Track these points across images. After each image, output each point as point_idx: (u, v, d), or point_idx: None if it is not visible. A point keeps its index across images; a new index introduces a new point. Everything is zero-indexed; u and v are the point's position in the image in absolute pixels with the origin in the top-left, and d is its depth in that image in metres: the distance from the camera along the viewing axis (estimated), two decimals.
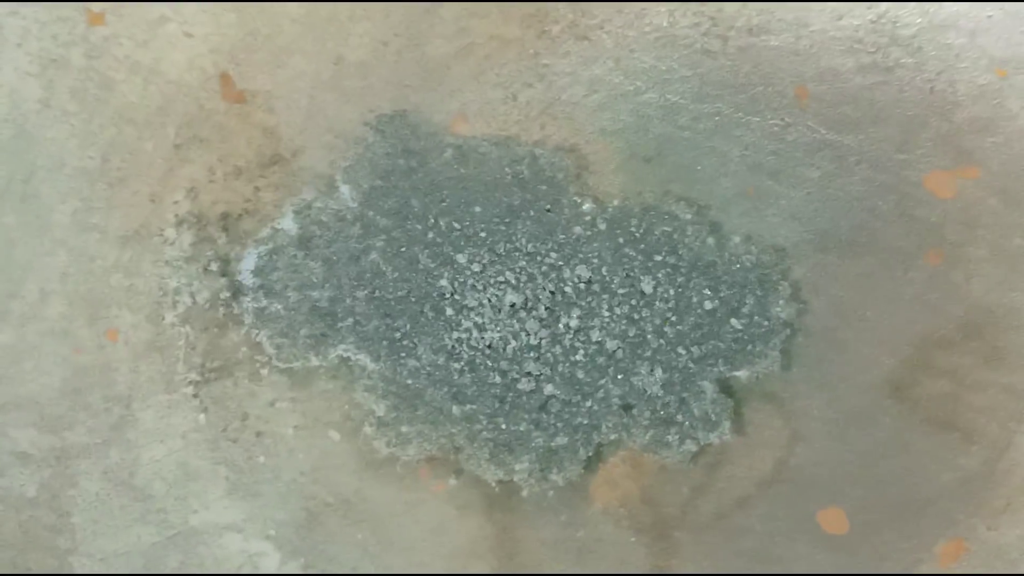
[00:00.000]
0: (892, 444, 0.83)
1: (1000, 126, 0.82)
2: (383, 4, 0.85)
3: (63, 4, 0.85)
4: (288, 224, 0.85)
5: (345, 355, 0.85)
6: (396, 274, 0.84)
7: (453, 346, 0.84)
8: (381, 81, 0.86)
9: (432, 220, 0.85)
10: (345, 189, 0.85)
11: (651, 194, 0.85)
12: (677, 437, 0.83)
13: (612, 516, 0.84)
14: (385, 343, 0.84)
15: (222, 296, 0.85)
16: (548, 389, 0.83)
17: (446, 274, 0.84)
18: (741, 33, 0.85)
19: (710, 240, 0.83)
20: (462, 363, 0.84)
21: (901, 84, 0.83)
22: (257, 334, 0.85)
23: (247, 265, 0.85)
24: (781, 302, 0.83)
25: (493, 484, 0.85)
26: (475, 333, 0.83)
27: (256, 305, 0.85)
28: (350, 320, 0.84)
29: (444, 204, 0.85)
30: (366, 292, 0.84)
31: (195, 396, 0.84)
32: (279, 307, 0.84)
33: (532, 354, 0.83)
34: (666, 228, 0.83)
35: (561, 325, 0.84)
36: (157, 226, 0.85)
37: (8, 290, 0.84)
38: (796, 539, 0.84)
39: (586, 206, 0.84)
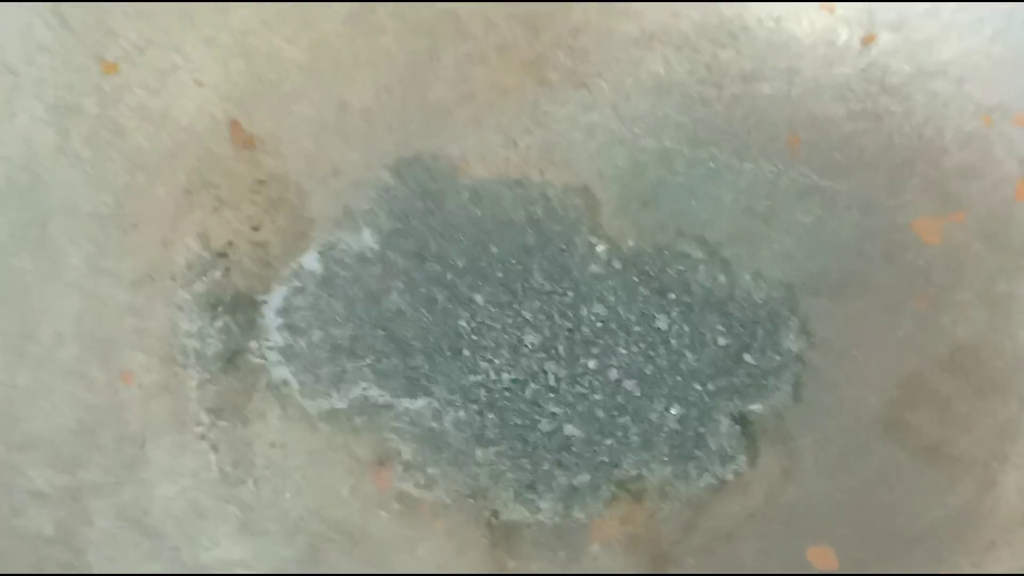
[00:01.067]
0: (880, 482, 0.85)
1: (986, 172, 0.85)
2: (385, 50, 0.87)
3: (77, 54, 0.87)
4: (312, 264, 0.87)
5: (367, 396, 0.87)
6: (415, 314, 0.87)
7: (472, 387, 0.86)
8: (385, 127, 0.88)
9: (450, 260, 0.87)
10: (367, 232, 0.87)
11: (662, 234, 0.87)
12: (695, 471, 0.85)
13: (609, 553, 0.87)
14: (404, 382, 0.86)
15: (235, 338, 0.88)
16: (568, 429, 0.86)
17: (464, 314, 0.87)
18: (735, 80, 0.87)
19: (721, 278, 0.85)
20: (481, 404, 0.86)
21: (890, 131, 0.86)
22: (275, 373, 0.87)
23: (273, 304, 0.87)
24: (791, 336, 0.85)
25: (493, 521, 0.87)
26: (492, 375, 0.86)
27: (279, 343, 0.87)
28: (370, 359, 0.87)
29: (461, 245, 0.87)
30: (385, 332, 0.87)
31: (205, 437, 0.87)
32: (303, 344, 0.86)
33: (551, 394, 0.86)
34: (679, 267, 0.85)
35: (579, 365, 0.86)
36: (169, 269, 0.88)
37: (24, 332, 0.86)
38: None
39: (600, 247, 0.86)
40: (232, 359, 0.87)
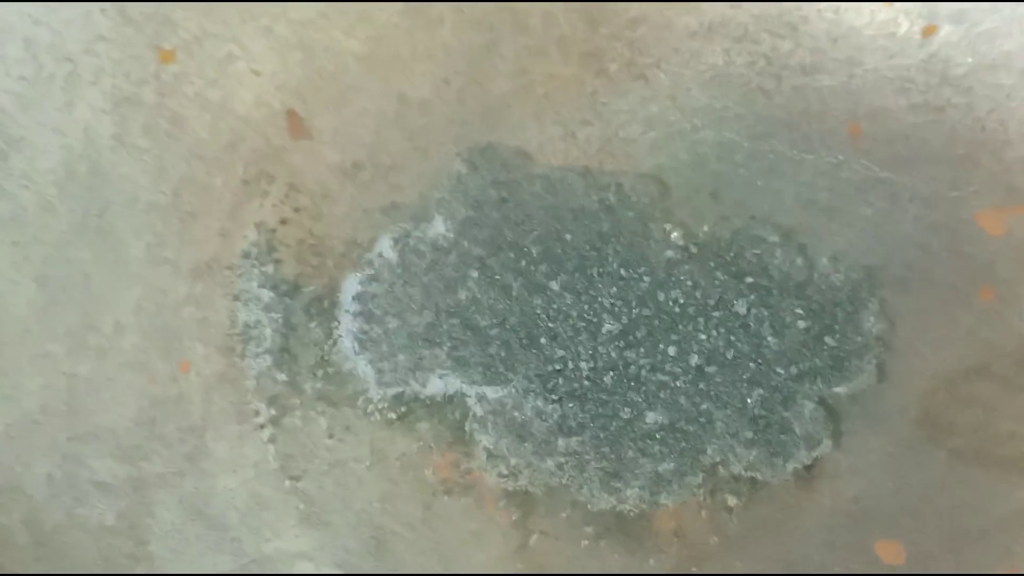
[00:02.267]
0: (947, 477, 0.85)
1: None
2: (443, 42, 0.87)
3: (136, 43, 0.87)
4: (388, 252, 0.86)
5: (445, 384, 0.87)
6: (491, 302, 0.87)
7: (550, 376, 0.86)
8: (443, 119, 0.88)
9: (525, 248, 0.87)
10: (439, 220, 0.87)
11: (730, 223, 0.87)
12: (781, 456, 0.85)
13: (673, 547, 0.86)
14: (481, 370, 0.86)
15: (294, 328, 0.87)
16: (651, 416, 0.85)
17: (540, 302, 0.87)
18: (795, 72, 0.86)
19: (799, 261, 0.85)
20: (560, 393, 0.86)
21: (952, 123, 0.85)
22: (343, 362, 0.87)
23: (346, 292, 0.87)
24: (871, 318, 0.84)
25: (563, 515, 0.87)
26: (571, 363, 0.86)
27: (354, 330, 0.87)
28: (446, 347, 0.87)
29: (535, 233, 0.86)
30: (461, 320, 0.86)
31: (266, 427, 0.86)
32: (379, 331, 0.86)
33: (632, 382, 0.86)
34: (755, 251, 0.85)
35: (659, 351, 0.85)
36: (227, 260, 0.87)
37: (85, 323, 0.86)
38: (854, 569, 0.85)
39: (675, 234, 0.86)
40: (291, 349, 0.86)
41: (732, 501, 0.85)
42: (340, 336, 0.85)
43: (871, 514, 0.84)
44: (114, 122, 0.86)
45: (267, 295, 0.86)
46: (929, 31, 0.85)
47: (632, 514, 0.85)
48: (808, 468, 0.84)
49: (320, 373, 0.86)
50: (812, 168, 0.86)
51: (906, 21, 0.86)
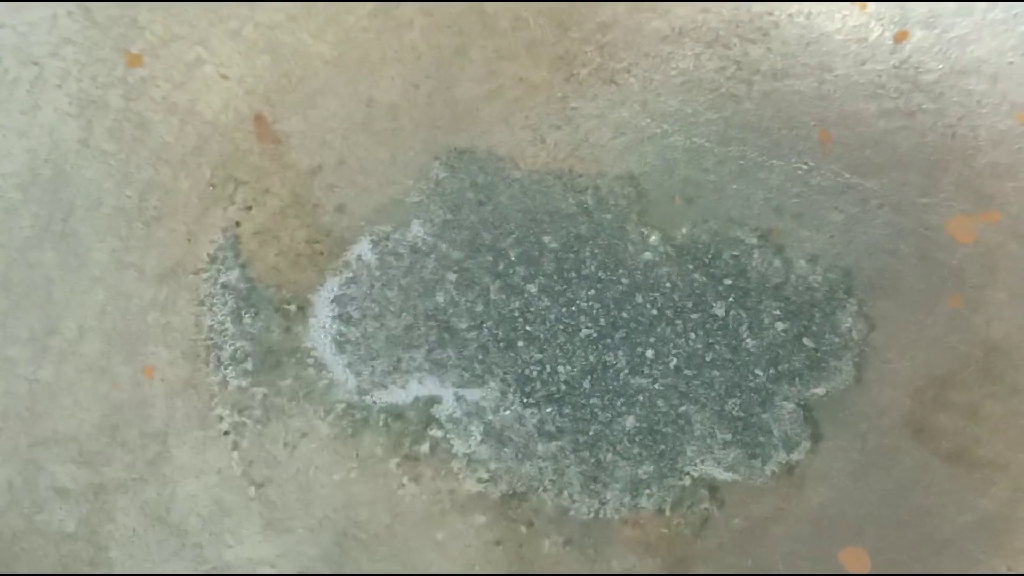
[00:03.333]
0: (913, 484, 0.84)
1: (1020, 171, 0.84)
2: (412, 46, 0.87)
3: (102, 46, 0.86)
4: (367, 255, 0.86)
5: (421, 387, 0.86)
6: (469, 305, 0.86)
7: (528, 379, 0.86)
8: (412, 123, 0.87)
9: (503, 251, 0.87)
10: (416, 223, 0.87)
11: (704, 227, 0.86)
12: (760, 458, 0.85)
13: (635, 554, 0.86)
14: (459, 373, 0.86)
15: (260, 333, 0.87)
16: (630, 420, 0.85)
17: (518, 304, 0.86)
18: (766, 77, 0.86)
19: (776, 262, 0.84)
20: (538, 397, 0.86)
21: (923, 129, 0.85)
22: (311, 368, 0.87)
23: (324, 295, 0.87)
24: (849, 318, 0.84)
25: (522, 527, 0.86)
26: (548, 367, 0.86)
27: (332, 334, 0.86)
28: (424, 349, 0.86)
29: (514, 235, 0.86)
30: (438, 323, 0.86)
31: (230, 433, 0.86)
32: (357, 334, 0.86)
33: (610, 385, 0.85)
34: (734, 252, 0.85)
35: (636, 354, 0.85)
36: (193, 264, 0.87)
37: (47, 327, 0.86)
38: None
39: (653, 237, 0.85)
40: (258, 355, 0.86)
41: (701, 510, 0.84)
42: (312, 340, 0.84)
43: (836, 522, 0.84)
44: (80, 126, 0.86)
45: (234, 300, 0.85)
46: (901, 37, 0.85)
47: (603, 520, 0.84)
48: (776, 475, 0.83)
49: (289, 378, 0.85)
50: (782, 174, 0.85)
51: (878, 26, 0.86)
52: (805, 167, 0.85)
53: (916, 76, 0.84)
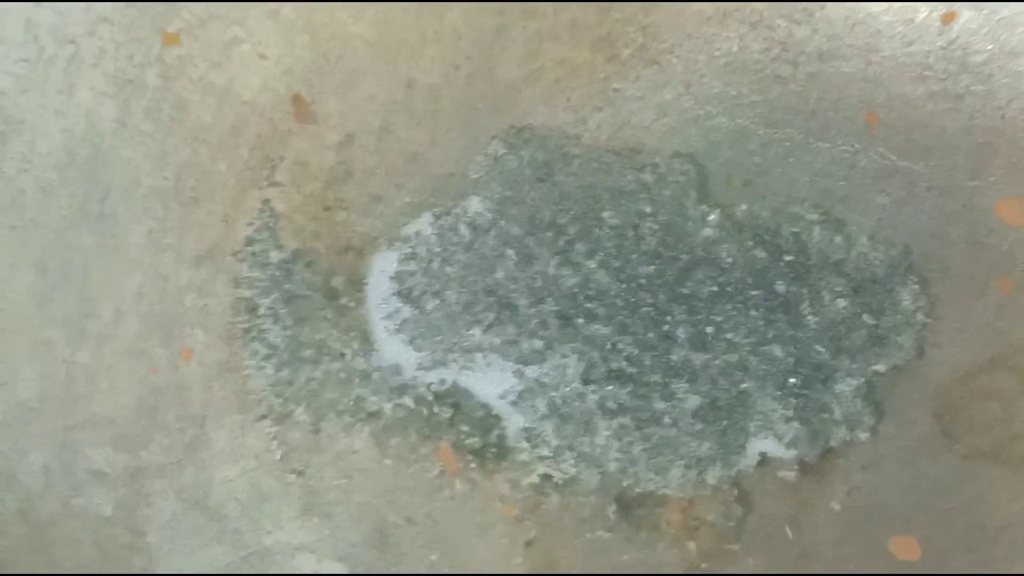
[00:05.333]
0: (963, 472, 0.83)
1: None
2: (452, 27, 0.86)
3: (139, 25, 0.85)
4: (426, 230, 0.85)
5: (479, 369, 0.86)
6: (529, 281, 0.86)
7: (589, 357, 0.85)
8: (452, 104, 0.86)
9: (562, 228, 0.86)
10: (475, 200, 0.87)
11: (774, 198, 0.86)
12: (821, 436, 0.84)
13: (680, 542, 0.85)
14: (519, 350, 0.85)
15: (297, 316, 0.86)
16: (692, 396, 0.85)
17: (577, 280, 0.85)
18: (811, 59, 0.85)
19: (837, 239, 0.84)
20: (599, 374, 0.85)
21: (971, 111, 0.83)
22: (369, 353, 0.86)
23: (376, 272, 0.87)
24: (909, 295, 0.83)
25: (562, 511, 0.85)
26: (608, 344, 0.86)
27: (389, 311, 0.86)
28: (483, 326, 0.86)
29: (572, 212, 0.85)
30: (497, 299, 0.85)
31: (267, 416, 0.85)
32: (416, 312, 0.85)
33: (671, 361, 0.85)
34: (794, 229, 0.84)
35: (697, 330, 0.85)
36: (230, 246, 0.86)
37: (84, 310, 0.85)
38: (867, 566, 0.84)
39: (712, 215, 0.85)
40: (299, 336, 0.85)
41: (749, 492, 0.83)
42: (359, 320, 0.83)
43: (885, 509, 0.83)
44: (116, 105, 0.85)
45: (272, 282, 0.84)
46: (948, 18, 0.84)
47: (649, 501, 0.83)
48: (833, 452, 0.82)
49: (330, 361, 0.84)
50: (828, 156, 0.84)
51: (925, 7, 0.85)
52: (851, 150, 0.84)
53: (964, 57, 0.83)
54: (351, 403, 0.84)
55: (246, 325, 0.85)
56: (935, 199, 0.83)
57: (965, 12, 0.83)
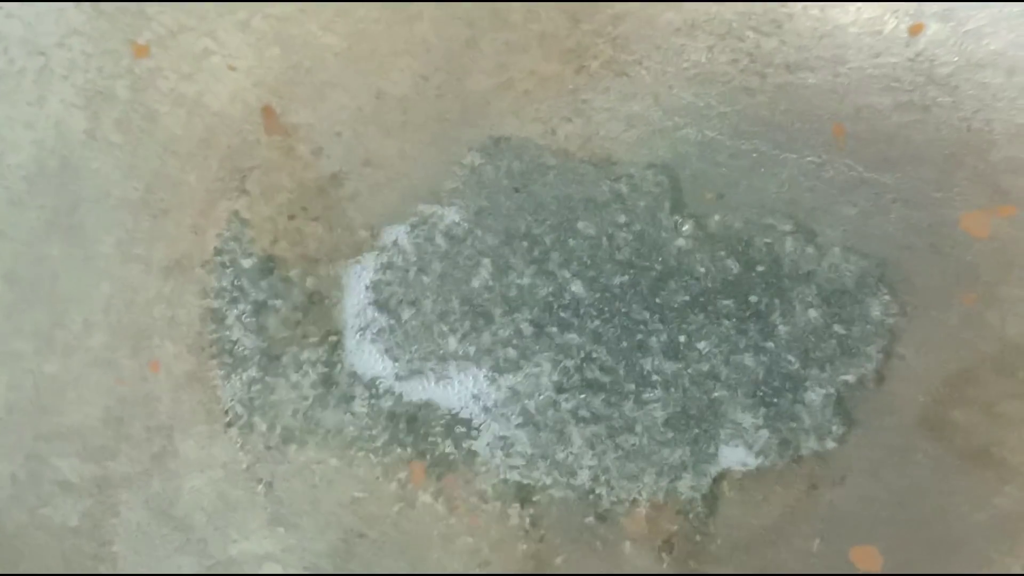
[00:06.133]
0: (926, 482, 0.83)
1: None
2: (422, 38, 0.86)
3: (109, 37, 0.86)
4: (402, 240, 0.86)
5: (450, 379, 0.86)
6: (503, 291, 0.86)
7: (562, 365, 0.85)
8: (421, 115, 0.86)
9: (538, 238, 0.87)
10: (450, 210, 0.87)
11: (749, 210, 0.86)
12: (791, 445, 0.85)
13: (644, 548, 0.85)
14: (490, 360, 0.85)
15: (266, 326, 0.86)
16: (663, 403, 0.85)
17: (550, 290, 0.86)
18: (779, 70, 0.85)
19: (810, 250, 0.84)
20: (572, 383, 0.86)
21: (938, 123, 0.84)
22: (350, 355, 0.86)
23: (351, 282, 0.86)
24: (879, 306, 0.83)
25: (525, 518, 0.85)
26: (581, 352, 0.86)
27: (364, 322, 0.86)
28: (459, 335, 0.86)
29: (548, 223, 0.85)
30: (471, 308, 0.86)
31: (234, 427, 0.85)
32: (392, 322, 0.86)
33: (643, 369, 0.85)
34: (767, 239, 0.84)
35: (670, 340, 0.85)
36: (199, 257, 0.86)
37: (53, 320, 0.85)
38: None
39: (686, 226, 0.85)
40: (266, 348, 0.85)
41: (715, 501, 0.83)
42: (329, 329, 0.84)
43: (849, 519, 0.83)
44: (86, 117, 0.85)
45: (240, 293, 0.84)
46: (916, 29, 0.84)
47: (620, 510, 0.83)
48: (804, 460, 0.82)
49: (297, 370, 0.84)
50: (795, 168, 0.85)
51: (893, 19, 0.85)
52: (819, 161, 0.84)
53: (931, 69, 0.83)
54: (319, 413, 0.85)
55: (215, 335, 0.85)
56: (901, 210, 0.84)
57: (932, 24, 0.84)
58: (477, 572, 0.84)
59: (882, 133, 0.84)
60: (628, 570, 0.84)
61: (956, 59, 0.83)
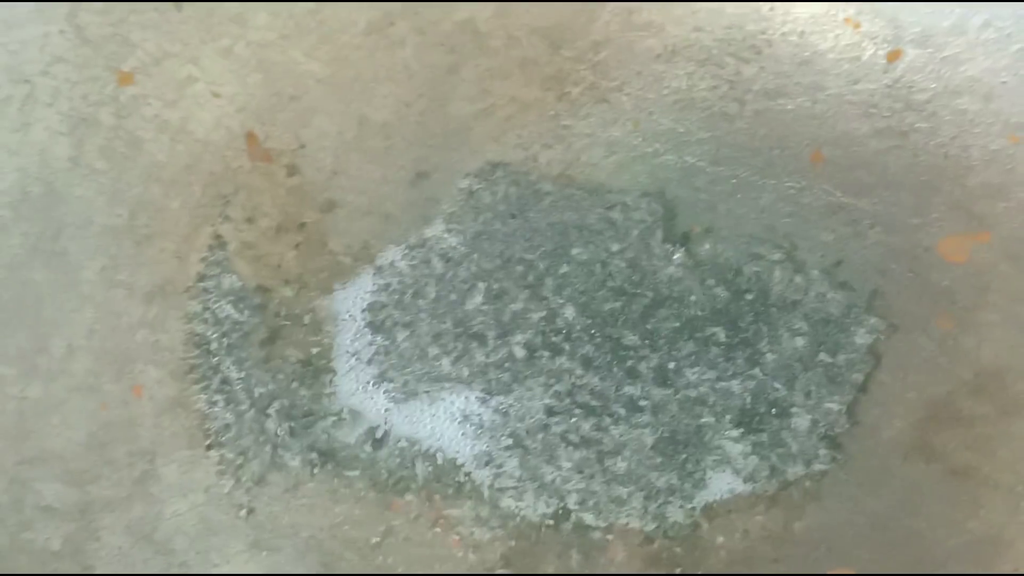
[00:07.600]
0: (903, 506, 0.84)
1: (1012, 191, 0.83)
2: (405, 64, 0.87)
3: (93, 64, 0.86)
4: (399, 262, 0.87)
5: (451, 395, 0.87)
6: (497, 316, 0.87)
7: (553, 390, 0.86)
8: (404, 141, 0.87)
9: (532, 263, 0.88)
10: (447, 235, 0.88)
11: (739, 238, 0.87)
12: (777, 472, 0.86)
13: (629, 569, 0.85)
14: (483, 383, 0.87)
15: (254, 351, 0.87)
16: (651, 429, 0.86)
17: (543, 315, 0.87)
18: (758, 96, 0.86)
19: (797, 278, 0.85)
20: (564, 406, 0.87)
21: (915, 149, 0.85)
22: (343, 379, 0.87)
23: (346, 304, 0.88)
24: (863, 332, 0.84)
25: (511, 542, 0.86)
26: (572, 378, 0.87)
27: (358, 345, 0.88)
28: (452, 357, 0.87)
29: (543, 249, 0.86)
30: (465, 331, 0.87)
31: (216, 452, 0.86)
32: (387, 343, 0.87)
33: (632, 395, 0.86)
34: (755, 268, 0.86)
35: (659, 367, 0.87)
36: (183, 283, 0.87)
37: (36, 346, 0.85)
38: None
39: (676, 256, 0.86)
40: (249, 373, 0.85)
41: (696, 527, 0.84)
42: (313, 352, 0.84)
43: (825, 543, 0.83)
44: (71, 144, 0.86)
45: (224, 317, 0.85)
46: (894, 56, 0.85)
47: (599, 539, 0.84)
48: (788, 486, 0.82)
49: (283, 395, 0.85)
50: (774, 193, 0.85)
51: (871, 46, 0.86)
52: (797, 186, 0.85)
53: (909, 96, 0.84)
54: (302, 437, 0.85)
55: (197, 361, 0.86)
56: (879, 236, 0.84)
57: (910, 51, 0.84)
58: (479, 572, 0.84)
59: (860, 159, 0.85)
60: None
61: (934, 86, 0.84)
